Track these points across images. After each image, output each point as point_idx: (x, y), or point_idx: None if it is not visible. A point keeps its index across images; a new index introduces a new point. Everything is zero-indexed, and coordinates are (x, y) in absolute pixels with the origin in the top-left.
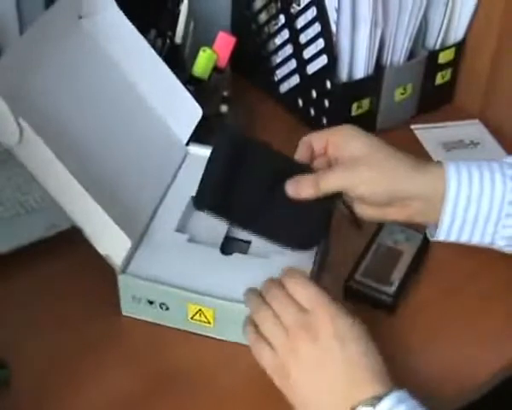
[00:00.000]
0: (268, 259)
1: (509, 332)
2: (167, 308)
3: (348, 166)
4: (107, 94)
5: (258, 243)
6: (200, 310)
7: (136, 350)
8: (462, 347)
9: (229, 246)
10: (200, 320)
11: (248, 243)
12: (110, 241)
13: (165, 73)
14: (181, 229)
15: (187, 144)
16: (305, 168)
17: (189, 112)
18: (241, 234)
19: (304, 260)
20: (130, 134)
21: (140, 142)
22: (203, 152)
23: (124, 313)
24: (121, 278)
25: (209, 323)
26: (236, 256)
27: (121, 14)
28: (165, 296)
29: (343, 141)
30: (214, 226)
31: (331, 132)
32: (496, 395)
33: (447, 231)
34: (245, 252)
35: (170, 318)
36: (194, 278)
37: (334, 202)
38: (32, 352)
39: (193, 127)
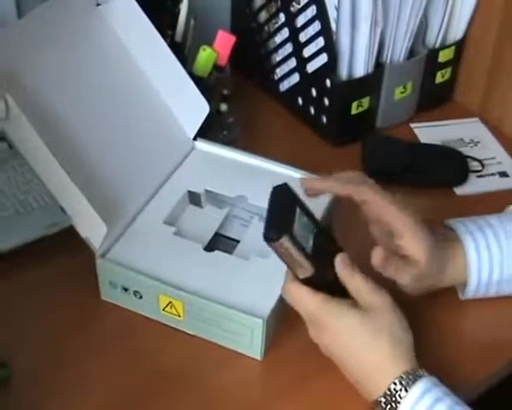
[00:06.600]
0: (247, 260)
1: None
2: (141, 297)
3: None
4: (115, 81)
5: (246, 243)
6: (170, 302)
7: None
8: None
9: (214, 242)
10: (171, 313)
11: (237, 241)
12: (89, 224)
13: (176, 66)
14: (169, 221)
15: (194, 139)
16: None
17: (197, 107)
18: (232, 232)
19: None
20: (134, 123)
21: (143, 131)
22: (210, 148)
23: (102, 298)
24: (99, 263)
25: (179, 316)
26: (217, 254)
27: (136, 4)
28: (139, 285)
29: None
30: (205, 223)
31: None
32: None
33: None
34: (230, 251)
35: (143, 307)
36: (169, 271)
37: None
38: (32, 350)
39: (200, 122)
